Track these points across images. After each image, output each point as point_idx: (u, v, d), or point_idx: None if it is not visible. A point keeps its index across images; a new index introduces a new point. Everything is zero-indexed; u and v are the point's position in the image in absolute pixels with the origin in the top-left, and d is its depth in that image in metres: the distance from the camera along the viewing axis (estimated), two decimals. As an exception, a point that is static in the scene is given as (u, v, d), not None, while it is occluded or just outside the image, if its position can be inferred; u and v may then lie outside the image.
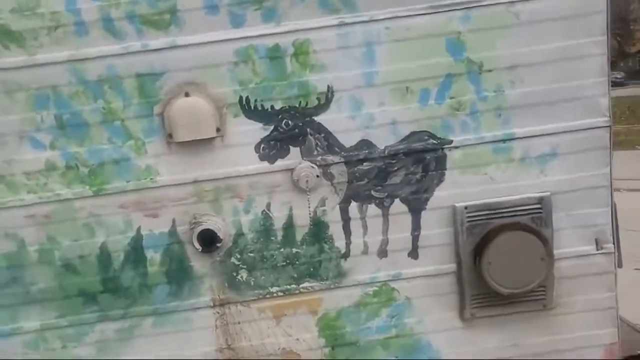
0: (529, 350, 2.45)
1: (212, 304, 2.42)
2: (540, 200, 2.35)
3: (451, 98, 2.32)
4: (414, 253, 2.43)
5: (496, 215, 2.35)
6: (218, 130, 2.30)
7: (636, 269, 6.52)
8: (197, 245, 2.35)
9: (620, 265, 2.48)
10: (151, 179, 2.33)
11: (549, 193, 2.35)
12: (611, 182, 2.37)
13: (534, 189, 2.37)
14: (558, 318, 2.45)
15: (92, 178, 2.32)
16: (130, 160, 2.32)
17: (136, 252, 2.40)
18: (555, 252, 2.36)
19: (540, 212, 2.35)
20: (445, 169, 2.37)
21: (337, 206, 2.40)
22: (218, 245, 2.35)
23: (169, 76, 2.26)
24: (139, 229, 2.38)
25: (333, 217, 2.41)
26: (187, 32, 2.22)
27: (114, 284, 2.39)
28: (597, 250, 2.41)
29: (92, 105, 2.27)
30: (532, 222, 2.34)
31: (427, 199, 2.39)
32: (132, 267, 2.40)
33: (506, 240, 2.32)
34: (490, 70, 2.30)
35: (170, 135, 2.29)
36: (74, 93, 2.24)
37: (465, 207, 2.37)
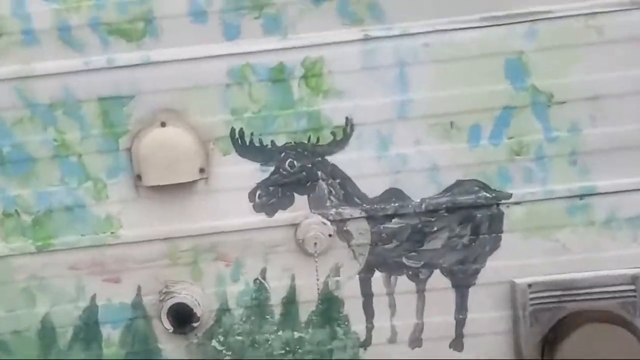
0: None
1: None
2: (635, 279, 1.75)
3: (510, 138, 1.81)
4: (458, 343, 1.92)
5: (572, 298, 1.78)
6: (202, 171, 1.82)
7: None
8: (168, 325, 1.83)
9: None
10: (112, 232, 1.88)
11: (644, 269, 1.76)
12: None
13: (625, 263, 1.79)
14: None
15: (37, 229, 1.89)
16: (87, 208, 1.88)
17: (89, 327, 1.96)
18: (649, 350, 1.75)
19: (634, 296, 1.75)
20: (502, 232, 1.86)
21: (357, 276, 1.92)
22: (195, 324, 1.84)
23: (141, 100, 1.80)
24: (93, 298, 1.94)
25: (350, 291, 1.94)
26: (166, 45, 1.77)
27: None
28: None
29: (41, 136, 1.83)
30: (622, 310, 1.73)
31: (477, 271, 1.88)
32: (83, 348, 1.95)
33: (587, 334, 1.71)
34: (562, 103, 1.78)
35: (139, 177, 1.83)
36: (18, 120, 1.81)
37: (529, 285, 1.83)
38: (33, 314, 1.91)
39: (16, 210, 1.86)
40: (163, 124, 1.81)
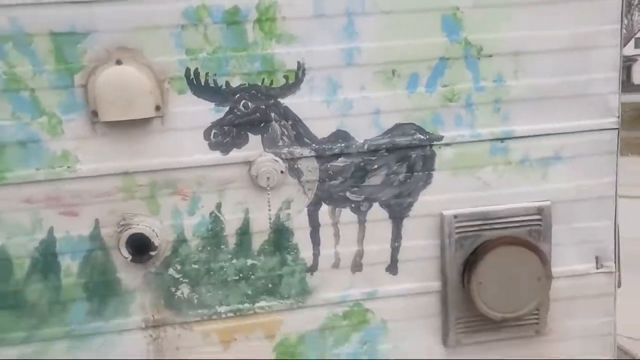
0: (518, 379, 2.16)
1: (143, 326, 1.99)
2: (540, 210, 2.04)
3: (444, 86, 1.98)
4: (393, 268, 2.09)
5: (490, 227, 2.04)
6: (157, 108, 1.85)
7: None
8: (126, 253, 1.89)
9: (619, 285, 2.21)
10: (69, 167, 1.87)
11: (549, 202, 2.05)
12: (616, 192, 2.09)
13: (534, 197, 2.06)
14: (551, 345, 2.16)
15: None
16: (41, 143, 1.85)
17: (47, 259, 1.95)
18: (552, 269, 2.07)
19: (540, 225, 2.04)
20: (434, 170, 2.04)
21: (305, 209, 2.05)
22: (152, 253, 1.91)
23: (96, 38, 1.79)
24: (51, 230, 1.93)
25: (299, 223, 2.06)
26: None
27: (15, 299, 1.91)
28: (597, 269, 2.13)
29: None
30: (530, 236, 2.03)
31: (411, 205, 2.05)
32: (40, 279, 1.95)
33: (501, 256, 1.99)
34: (490, 56, 1.97)
35: (95, 113, 1.83)
36: None
37: (455, 216, 2.04)
38: None
39: None
40: (119, 62, 1.82)
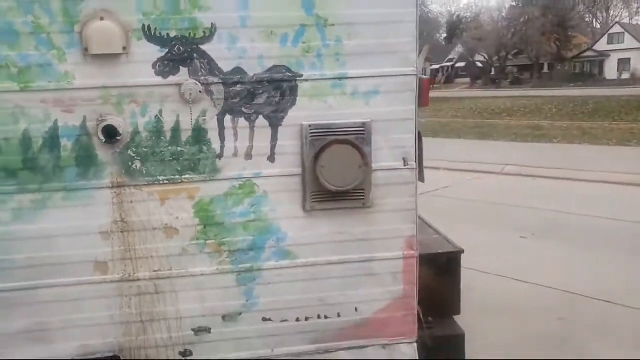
0: (352, 236, 3.31)
1: (111, 186, 3.06)
2: (364, 124, 3.18)
3: (303, 43, 3.08)
4: (271, 158, 3.13)
5: (331, 134, 3.15)
6: (124, 48, 2.93)
7: (521, 237, 8.50)
8: (102, 137, 3.00)
9: (422, 180, 3.39)
10: (68, 82, 2.89)
11: (370, 120, 3.20)
12: (416, 116, 3.26)
13: (360, 117, 3.18)
14: (373, 214, 3.29)
15: (20, 77, 2.84)
16: (53, 66, 2.89)
17: (52, 139, 2.92)
18: (373, 165, 3.21)
19: (363, 134, 3.19)
20: (297, 96, 3.08)
21: (215, 117, 3.05)
22: (118, 138, 2.99)
23: (88, 3, 2.87)
24: (56, 121, 2.91)
25: (211, 126, 3.04)
26: None
27: (32, 163, 2.96)
28: (404, 166, 3.30)
29: (24, 19, 2.79)
30: (356, 140, 3.18)
31: (283, 118, 3.11)
32: (48, 151, 2.94)
33: (336, 151, 3.13)
34: (333, 25, 3.07)
35: (86, 49, 2.90)
36: (9, 8, 2.81)
37: (309, 126, 3.11)
38: (17, 129, 2.88)
39: (7, 64, 2.85)
40: (102, 19, 2.94)
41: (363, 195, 3.26)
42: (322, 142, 3.15)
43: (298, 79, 3.12)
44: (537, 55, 74.15)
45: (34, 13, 2.87)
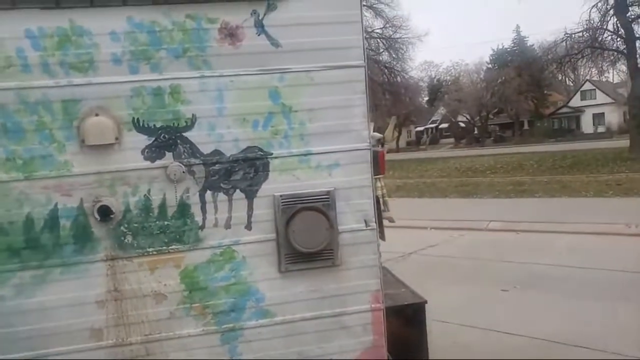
0: (324, 293, 3.66)
1: (105, 259, 3.40)
2: (328, 192, 3.61)
3: (272, 127, 3.57)
4: (248, 226, 3.47)
5: (300, 202, 3.57)
6: (116, 138, 3.39)
7: (502, 290, 8.94)
8: (97, 216, 3.36)
9: (383, 238, 3.80)
10: (67, 169, 3.25)
11: (333, 189, 3.63)
12: (372, 183, 3.72)
13: (324, 186, 3.62)
14: (342, 272, 3.64)
15: (25, 167, 3.20)
16: (53, 156, 3.30)
17: (52, 220, 3.24)
18: (339, 227, 3.62)
19: (328, 200, 3.62)
20: (269, 171, 3.47)
21: (197, 193, 3.41)
22: (112, 216, 3.40)
23: (85, 103, 3.36)
24: (56, 204, 3.24)
25: (194, 201, 3.39)
26: (100, 75, 3.35)
27: (34, 242, 3.32)
28: (366, 227, 3.71)
29: (29, 118, 3.19)
30: (322, 206, 3.61)
31: (257, 190, 3.47)
32: (48, 231, 3.24)
33: (305, 216, 3.55)
34: (296, 111, 3.53)
35: (83, 141, 3.28)
36: (17, 109, 3.28)
37: (281, 196, 3.48)
38: (21, 212, 3.24)
39: (13, 157, 3.33)
40: (97, 115, 3.45)
41: (332, 255, 3.64)
42: (292, 209, 3.52)
43: (269, 156, 3.53)
44: (516, 114, 77.06)
45: (39, 113, 3.36)
